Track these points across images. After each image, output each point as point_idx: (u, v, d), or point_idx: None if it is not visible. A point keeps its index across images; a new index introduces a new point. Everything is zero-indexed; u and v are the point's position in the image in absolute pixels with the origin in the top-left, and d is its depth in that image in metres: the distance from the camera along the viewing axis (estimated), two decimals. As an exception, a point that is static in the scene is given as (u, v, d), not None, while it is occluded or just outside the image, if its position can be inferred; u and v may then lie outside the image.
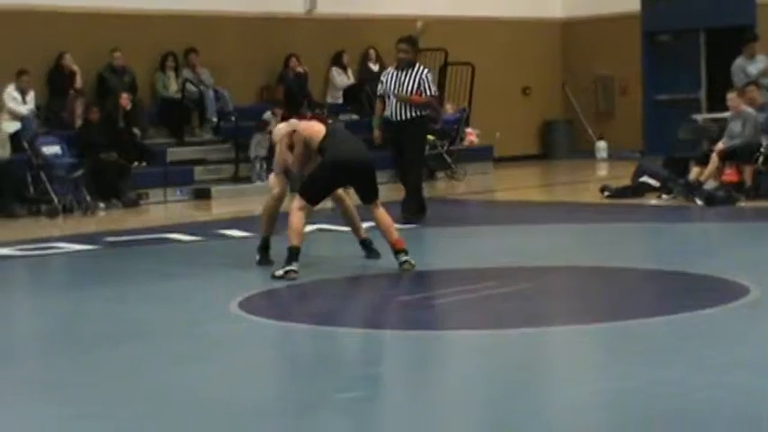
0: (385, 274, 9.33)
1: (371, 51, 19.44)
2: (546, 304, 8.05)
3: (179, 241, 11.59)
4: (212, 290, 8.81)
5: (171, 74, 17.36)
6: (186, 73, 17.37)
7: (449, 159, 18.42)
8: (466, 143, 19.27)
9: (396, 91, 12.04)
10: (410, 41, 12.34)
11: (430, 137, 18.22)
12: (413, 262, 9.04)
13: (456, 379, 6.13)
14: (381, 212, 9.27)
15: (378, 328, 7.54)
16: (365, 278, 9.35)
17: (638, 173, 14.73)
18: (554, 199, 16.10)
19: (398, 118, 12.07)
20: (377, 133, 12.73)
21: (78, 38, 16.33)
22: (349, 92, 19.18)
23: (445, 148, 18.43)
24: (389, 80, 12.16)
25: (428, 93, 12.12)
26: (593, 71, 21.66)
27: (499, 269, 9.28)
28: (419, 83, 12.06)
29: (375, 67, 19.47)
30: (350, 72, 19.33)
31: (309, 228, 10.61)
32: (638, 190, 14.37)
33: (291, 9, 18.72)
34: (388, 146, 12.53)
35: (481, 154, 19.58)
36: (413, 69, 12.14)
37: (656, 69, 21.13)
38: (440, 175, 18.39)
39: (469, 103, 19.73)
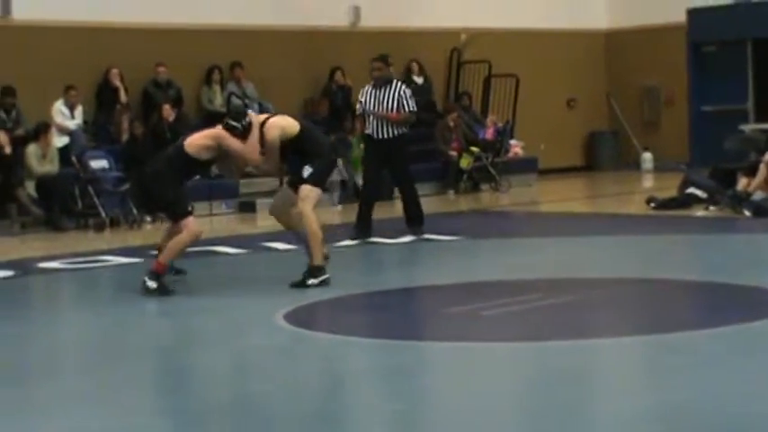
0: (430, 286, 9.33)
1: (414, 64, 19.45)
2: (592, 316, 8.00)
3: (224, 254, 11.64)
4: (258, 302, 8.83)
5: (216, 87, 17.47)
6: (231, 86, 17.47)
7: (493, 171, 18.37)
8: (510, 155, 19.21)
9: (374, 109, 12.05)
10: (383, 59, 12.37)
11: (474, 149, 18.24)
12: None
13: (503, 391, 6.10)
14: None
15: (424, 339, 7.53)
16: (411, 290, 9.34)
17: (685, 184, 14.62)
18: (599, 210, 16.00)
19: (380, 136, 12.07)
20: (356, 152, 12.91)
21: (125, 53, 16.47)
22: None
23: (489, 160, 18.39)
24: (368, 98, 12.17)
25: (407, 109, 12.11)
26: (639, 82, 21.54)
27: (545, 281, 9.24)
28: (397, 100, 12.08)
29: (419, 80, 19.48)
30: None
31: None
32: (684, 201, 14.26)
33: (336, 22, 18.78)
34: (367, 163, 12.49)
35: (525, 166, 19.52)
36: (390, 86, 12.18)
37: (702, 80, 20.97)
38: (484, 187, 18.35)
39: (514, 114, 19.68)
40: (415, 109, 12.23)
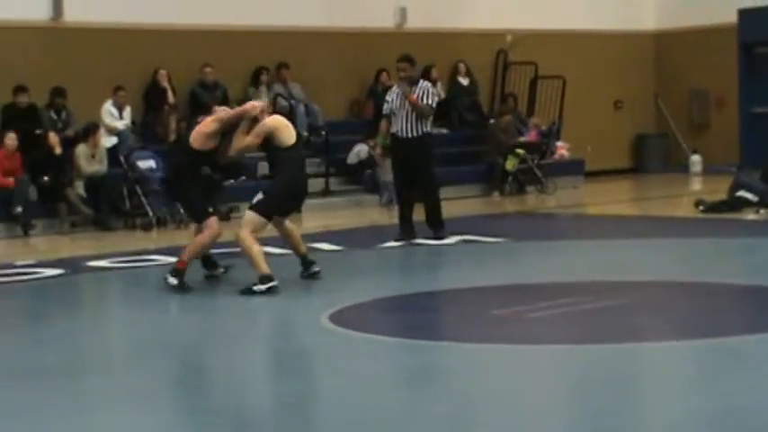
0: (475, 287, 9.30)
1: (461, 65, 19.43)
2: (640, 319, 7.95)
3: (270, 254, 11.66)
4: (303, 303, 8.86)
5: (263, 88, 17.53)
6: (277, 87, 17.53)
7: (539, 173, 18.30)
8: (556, 157, 19.13)
9: (401, 106, 11.98)
10: (407, 60, 12.32)
11: (520, 150, 18.18)
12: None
13: (549, 394, 6.07)
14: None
15: (469, 341, 7.51)
16: (457, 292, 9.32)
17: (735, 187, 14.48)
18: (647, 213, 15.91)
19: (405, 135, 12.03)
20: (380, 151, 12.87)
21: (173, 54, 16.58)
22: (438, 106, 19.14)
23: (535, 161, 18.32)
24: (395, 99, 12.15)
25: (424, 101, 12.05)
26: (688, 84, 21.37)
27: (591, 284, 9.19)
28: (421, 97, 12.03)
29: (465, 81, 19.46)
30: (439, 86, 19.33)
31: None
32: (734, 204, 14.13)
33: (382, 24, 18.79)
34: (394, 164, 12.47)
35: (572, 168, 19.42)
36: (416, 87, 12.12)
37: (752, 81, 20.75)
38: (530, 189, 18.29)
39: (560, 116, 19.60)
40: (434, 105, 12.19)
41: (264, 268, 9.06)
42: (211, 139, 9.42)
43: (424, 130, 12.03)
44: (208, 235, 9.37)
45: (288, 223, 9.66)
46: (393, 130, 12.11)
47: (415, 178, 12.14)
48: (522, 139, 18.56)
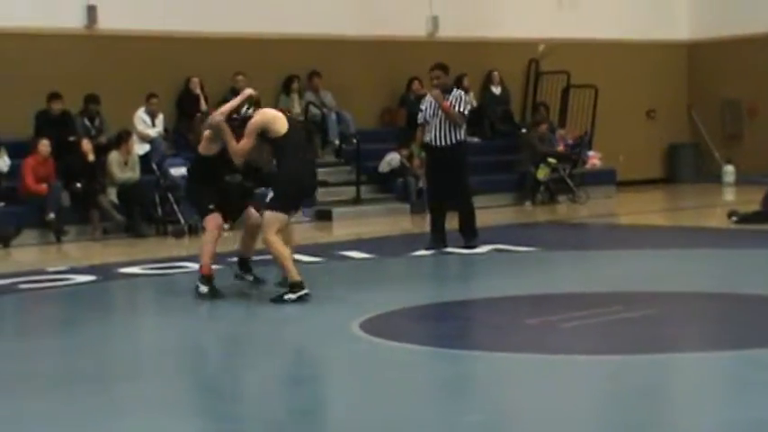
0: (507, 297, 9.28)
1: (494, 74, 19.42)
2: (672, 330, 7.89)
3: (300, 262, 11.67)
4: (334, 311, 8.85)
5: (294, 96, 17.58)
6: (309, 96, 17.57)
7: (571, 183, 18.25)
8: (588, 166, 19.07)
9: (435, 115, 11.94)
10: (441, 67, 12.27)
11: (552, 160, 18.13)
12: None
13: (581, 404, 6.04)
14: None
15: (500, 350, 7.48)
16: (488, 301, 9.30)
17: (768, 197, 14.38)
18: (679, 224, 15.81)
19: (440, 143, 11.99)
20: (417, 161, 12.84)
21: (205, 62, 16.66)
22: (471, 115, 19.13)
23: (567, 171, 18.27)
24: (428, 107, 12.11)
25: (457, 109, 12.00)
26: (721, 94, 21.26)
27: (624, 294, 9.14)
28: (455, 106, 11.99)
29: (496, 90, 19.45)
30: (471, 95, 19.32)
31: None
32: None
33: (414, 32, 18.81)
34: (428, 172, 12.44)
35: (604, 177, 19.35)
36: (449, 95, 12.08)
37: (787, 92, 20.64)
38: (561, 198, 18.23)
39: (592, 125, 19.53)
40: (466, 113, 12.15)
41: (295, 275, 9.05)
42: (212, 142, 9.38)
43: (459, 138, 11.99)
44: (207, 233, 9.42)
45: (253, 223, 9.53)
46: (427, 138, 12.08)
47: (449, 187, 12.12)
48: (559, 148, 18.52)
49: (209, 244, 9.41)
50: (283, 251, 9.07)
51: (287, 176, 9.11)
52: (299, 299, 8.97)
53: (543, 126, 18.52)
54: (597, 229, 15.51)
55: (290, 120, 9.26)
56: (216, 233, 9.38)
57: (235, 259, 9.90)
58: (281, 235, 9.16)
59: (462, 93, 12.35)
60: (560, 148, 18.60)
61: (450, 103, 11.94)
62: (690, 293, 9.20)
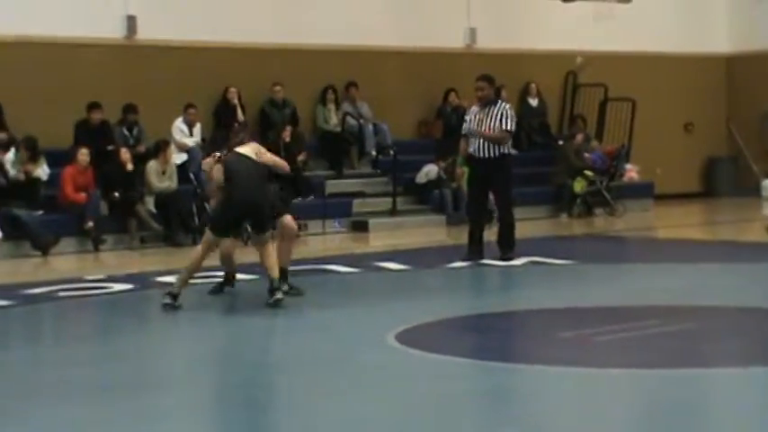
0: (542, 309, 9.25)
1: (531, 86, 19.39)
2: (709, 345, 7.84)
3: (336, 272, 11.71)
4: (369, 322, 8.87)
5: (331, 107, 17.64)
6: (346, 106, 17.62)
7: (607, 196, 18.18)
8: (625, 179, 18.99)
9: (477, 128, 11.93)
10: (487, 79, 12.18)
11: (588, 173, 18.07)
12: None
13: (615, 418, 6.01)
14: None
15: (535, 363, 7.47)
16: (523, 313, 9.28)
17: (807, 212, 14.27)
18: (717, 238, 15.72)
19: (483, 155, 11.95)
20: (459, 171, 12.81)
21: (243, 72, 16.75)
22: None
23: (604, 184, 18.20)
24: (472, 118, 12.07)
25: (503, 126, 11.93)
26: (760, 107, 21.09)
27: (660, 308, 9.09)
28: (500, 119, 11.94)
29: (534, 102, 19.42)
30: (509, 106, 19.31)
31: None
32: (806, 230, 13.91)
33: (451, 44, 18.82)
34: (471, 184, 12.41)
35: (641, 191, 19.27)
36: (495, 106, 12.03)
37: (826, 105, 20.47)
38: (598, 211, 18.16)
39: (630, 138, 19.46)
40: (513, 129, 12.08)
41: (177, 287, 9.45)
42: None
43: (502, 150, 11.95)
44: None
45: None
46: (470, 150, 12.06)
47: (488, 198, 12.13)
48: (586, 155, 18.41)
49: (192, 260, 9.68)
50: (193, 266, 9.50)
51: (231, 198, 9.48)
52: (164, 306, 9.34)
53: (579, 137, 18.46)
54: (634, 242, 15.44)
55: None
56: (206, 249, 9.62)
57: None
58: (262, 252, 9.41)
59: (508, 107, 12.21)
60: (587, 155, 18.39)
61: (496, 117, 11.84)
62: (727, 308, 9.14)
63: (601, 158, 18.49)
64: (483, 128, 11.89)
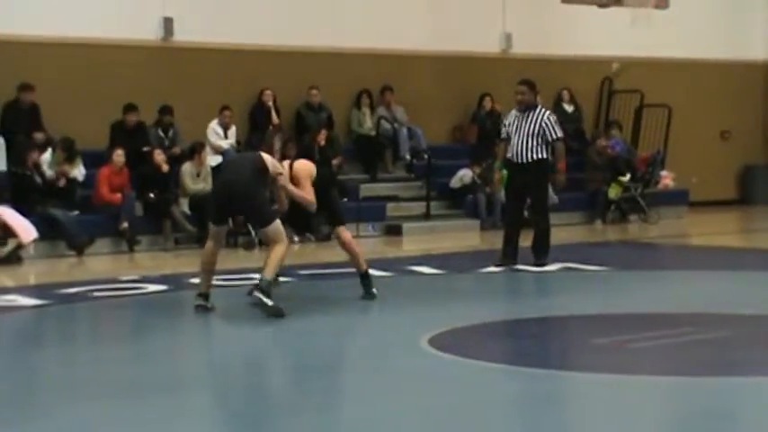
0: (575, 315, 9.21)
1: (565, 92, 19.33)
2: (745, 353, 7.77)
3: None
4: (402, 326, 8.85)
5: (366, 111, 17.66)
6: (381, 110, 17.63)
7: (642, 202, 18.10)
8: (660, 186, 18.90)
9: (518, 132, 11.85)
10: (527, 83, 12.10)
11: (623, 178, 17.99)
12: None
13: (649, 426, 5.98)
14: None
15: (568, 369, 7.44)
16: (556, 319, 9.24)
17: None
18: (753, 245, 15.59)
19: (522, 160, 11.89)
20: (497, 176, 12.75)
21: (279, 75, 16.79)
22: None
23: (639, 190, 18.12)
24: (512, 123, 12.02)
25: (552, 136, 11.89)
26: (798, 115, 20.97)
27: (695, 315, 9.04)
28: (541, 126, 11.87)
29: (569, 108, 19.35)
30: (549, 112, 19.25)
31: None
32: (843, 238, 13.80)
33: (487, 48, 18.79)
34: (508, 189, 12.37)
35: (676, 198, 19.16)
36: (534, 112, 11.96)
37: None
38: (632, 218, 18.08)
39: (665, 145, 19.36)
40: (562, 135, 12.05)
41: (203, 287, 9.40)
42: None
43: (541, 155, 11.91)
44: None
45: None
46: (509, 154, 12.02)
47: (525, 203, 12.10)
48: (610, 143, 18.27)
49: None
50: (203, 259, 9.52)
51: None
52: (196, 307, 9.38)
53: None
54: (669, 249, 15.35)
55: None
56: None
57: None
58: (269, 248, 9.26)
59: (548, 113, 12.13)
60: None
61: (538, 134, 11.80)
62: (762, 316, 9.06)
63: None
64: (522, 132, 11.83)
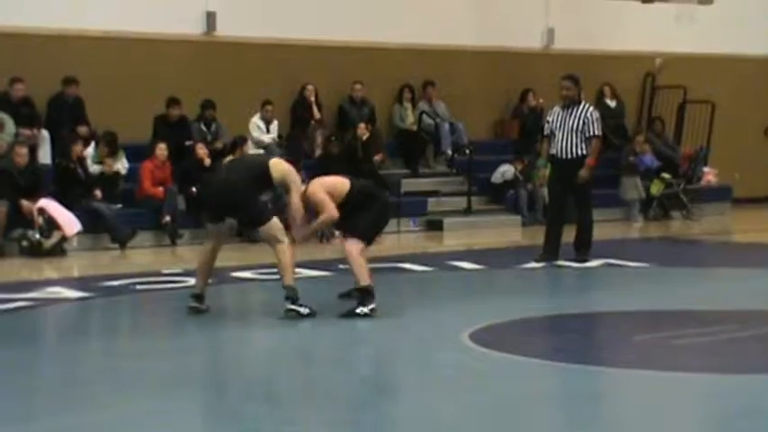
0: (617, 312, 9.18)
1: (607, 88, 19.22)
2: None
3: (411, 271, 11.73)
4: (443, 321, 8.86)
5: (408, 106, 17.65)
6: (423, 105, 17.62)
7: (685, 199, 17.98)
8: (703, 183, 18.77)
9: (562, 129, 11.79)
10: (572, 78, 12.05)
11: (666, 175, 17.88)
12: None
13: (691, 423, 5.95)
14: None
15: (611, 365, 7.41)
16: (598, 315, 9.22)
17: None
18: (796, 243, 15.45)
19: (565, 156, 11.84)
20: (542, 173, 12.66)
21: (321, 70, 16.82)
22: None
23: (681, 187, 18.01)
24: (555, 119, 11.97)
25: (591, 132, 11.83)
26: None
27: (738, 312, 8.98)
28: (583, 121, 11.81)
29: (611, 104, 19.24)
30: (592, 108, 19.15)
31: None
32: None
33: (529, 44, 18.73)
34: (552, 185, 12.31)
35: (719, 194, 19.02)
36: (578, 107, 11.90)
37: None
38: (675, 214, 17.97)
39: (708, 141, 19.22)
40: (600, 134, 11.97)
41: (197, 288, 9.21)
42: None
43: (585, 151, 11.87)
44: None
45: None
46: (552, 150, 11.99)
47: (568, 199, 12.05)
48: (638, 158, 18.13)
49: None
50: (199, 259, 9.42)
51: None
52: (189, 308, 9.08)
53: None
54: (711, 246, 15.25)
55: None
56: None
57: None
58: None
59: (592, 109, 12.06)
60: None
61: (581, 129, 11.75)
62: (807, 314, 8.99)
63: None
64: (566, 128, 11.79)
